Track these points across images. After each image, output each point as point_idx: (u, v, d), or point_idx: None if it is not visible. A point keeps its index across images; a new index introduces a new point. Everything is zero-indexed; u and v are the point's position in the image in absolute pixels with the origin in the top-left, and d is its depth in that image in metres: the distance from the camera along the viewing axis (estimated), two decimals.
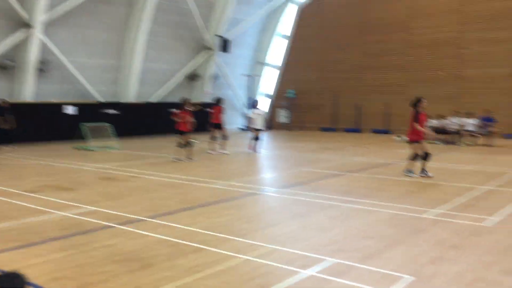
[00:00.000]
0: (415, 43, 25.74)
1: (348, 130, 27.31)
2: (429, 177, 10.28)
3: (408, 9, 26.13)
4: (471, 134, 19.12)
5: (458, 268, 4.82)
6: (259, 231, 6.20)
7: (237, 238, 5.78)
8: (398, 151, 16.65)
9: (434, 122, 20.15)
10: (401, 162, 13.34)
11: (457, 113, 19.86)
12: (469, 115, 19.61)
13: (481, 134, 19.06)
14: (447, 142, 19.04)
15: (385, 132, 25.65)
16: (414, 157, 10.62)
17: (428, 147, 10.84)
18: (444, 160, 13.96)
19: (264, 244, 5.54)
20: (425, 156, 10.48)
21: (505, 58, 22.91)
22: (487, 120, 19.33)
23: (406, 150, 16.74)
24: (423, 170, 10.45)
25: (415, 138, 10.53)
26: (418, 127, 10.38)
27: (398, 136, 21.69)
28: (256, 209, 7.74)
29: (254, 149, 15.48)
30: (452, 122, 19.65)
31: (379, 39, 27.03)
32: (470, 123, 19.35)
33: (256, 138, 15.58)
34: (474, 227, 6.38)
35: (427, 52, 25.31)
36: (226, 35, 26.24)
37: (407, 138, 20.31)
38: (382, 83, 26.79)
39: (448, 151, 16.36)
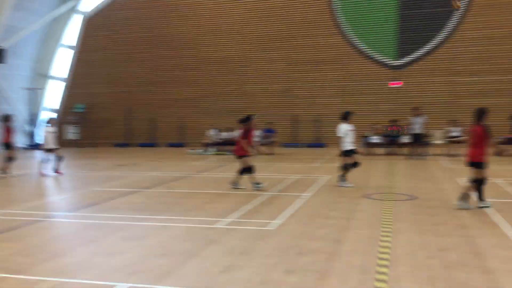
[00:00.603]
0: (204, 60, 27.05)
1: (143, 145, 27.02)
2: (259, 189, 10.57)
3: (196, 27, 27.34)
4: (256, 144, 20.91)
5: (247, 273, 5.10)
6: (42, 264, 5.52)
7: (13, 276, 5.04)
8: (192, 163, 17.13)
9: (224, 134, 21.45)
10: (195, 175, 13.73)
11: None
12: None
13: (264, 144, 21.01)
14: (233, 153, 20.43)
15: (180, 145, 26.18)
16: (245, 170, 10.83)
17: (251, 161, 11.09)
18: (233, 170, 14.90)
19: (48, 278, 4.95)
20: (249, 170, 10.78)
21: (281, 76, 25.86)
22: (269, 132, 21.47)
23: (200, 163, 17.48)
24: (235, 183, 10.81)
25: (243, 152, 10.81)
26: (245, 145, 10.71)
27: (192, 149, 22.38)
28: (40, 239, 6.91)
29: (47, 170, 13.94)
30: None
31: (171, 54, 27.59)
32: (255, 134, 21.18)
33: (52, 159, 14.10)
34: (260, 232, 6.89)
35: (215, 69, 26.85)
36: (1, 44, 23.25)
37: (200, 151, 21.26)
38: (176, 97, 27.35)
39: (236, 161, 17.45)
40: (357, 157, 11.27)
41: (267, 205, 9.00)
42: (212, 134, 21.95)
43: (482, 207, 8.17)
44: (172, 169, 15.55)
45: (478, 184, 8.19)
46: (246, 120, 10.94)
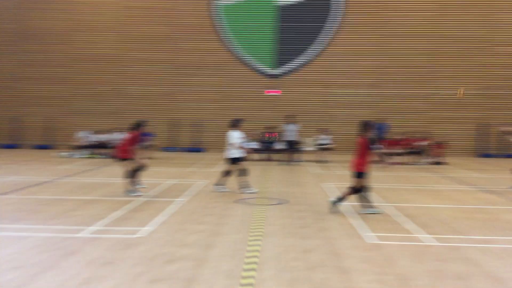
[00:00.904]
0: (78, 57, 25.42)
1: (5, 146, 24.51)
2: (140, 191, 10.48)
3: (68, 21, 25.61)
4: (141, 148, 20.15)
5: (109, 285, 4.82)
6: None
7: None
8: (59, 167, 15.93)
9: (102, 137, 20.41)
10: (61, 179, 12.75)
11: (116, 128, 20.35)
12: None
13: (143, 147, 20.31)
14: (113, 157, 19.46)
15: (48, 147, 24.27)
16: (135, 171, 10.53)
17: (136, 164, 10.68)
18: (103, 174, 14.19)
19: None
20: (133, 173, 10.57)
21: (161, 78, 25.31)
22: (146, 135, 20.81)
23: (68, 166, 16.26)
24: (130, 191, 10.44)
25: (127, 155, 10.54)
26: (134, 149, 10.65)
27: (61, 152, 20.86)
28: None
29: None
30: (116, 137, 20.22)
31: (40, 49, 25.47)
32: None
33: None
34: (127, 240, 6.58)
35: (89, 67, 25.37)
36: None
37: (69, 153, 19.85)
38: (45, 95, 25.29)
39: (109, 165, 16.63)
40: (245, 164, 11.29)
41: (139, 211, 8.67)
42: (81, 136, 20.65)
43: (370, 213, 8.51)
44: (35, 173, 14.25)
45: (359, 192, 8.63)
46: (137, 126, 10.88)
